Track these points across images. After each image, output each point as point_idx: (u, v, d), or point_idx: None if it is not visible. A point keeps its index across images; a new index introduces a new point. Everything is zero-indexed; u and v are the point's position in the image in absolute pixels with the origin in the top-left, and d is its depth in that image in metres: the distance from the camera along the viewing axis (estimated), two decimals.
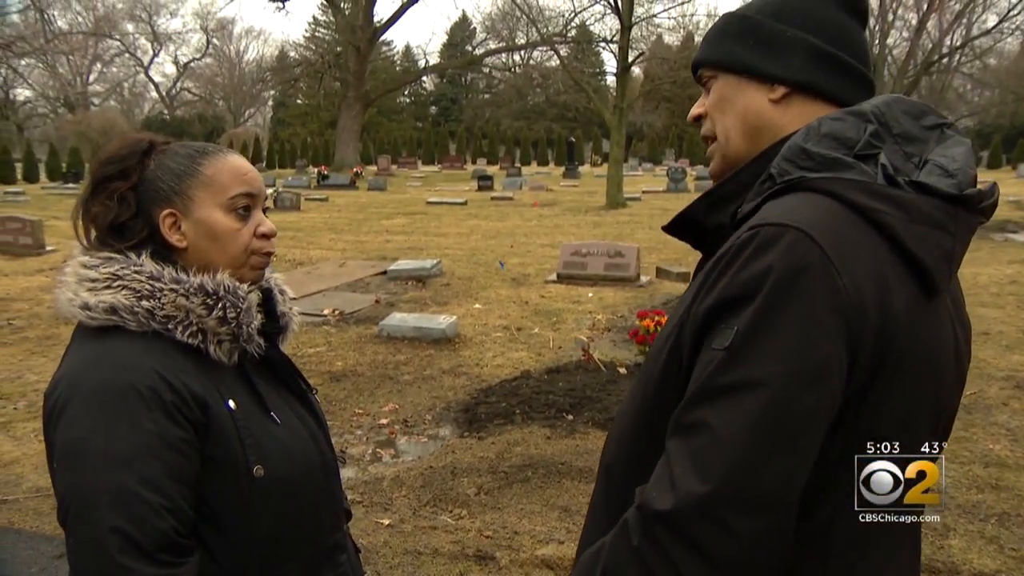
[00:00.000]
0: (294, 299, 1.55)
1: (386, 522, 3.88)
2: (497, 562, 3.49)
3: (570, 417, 5.27)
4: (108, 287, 1.25)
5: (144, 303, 1.23)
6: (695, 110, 1.24)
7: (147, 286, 1.24)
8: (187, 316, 1.25)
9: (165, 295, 1.25)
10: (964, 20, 38.44)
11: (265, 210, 1.40)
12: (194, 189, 1.31)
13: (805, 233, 0.93)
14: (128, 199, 1.31)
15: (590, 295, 9.42)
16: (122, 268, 1.26)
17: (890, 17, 39.69)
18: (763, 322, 0.92)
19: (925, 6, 35.37)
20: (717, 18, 1.28)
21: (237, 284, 1.31)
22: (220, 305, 1.27)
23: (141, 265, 1.27)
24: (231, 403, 1.28)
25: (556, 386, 5.86)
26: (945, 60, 40.08)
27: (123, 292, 1.24)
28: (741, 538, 0.89)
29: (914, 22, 39.48)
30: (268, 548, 1.32)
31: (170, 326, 1.25)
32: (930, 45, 40.12)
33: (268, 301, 1.45)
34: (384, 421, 5.42)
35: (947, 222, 0.99)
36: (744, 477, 0.89)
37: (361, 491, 4.26)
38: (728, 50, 1.18)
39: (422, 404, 5.75)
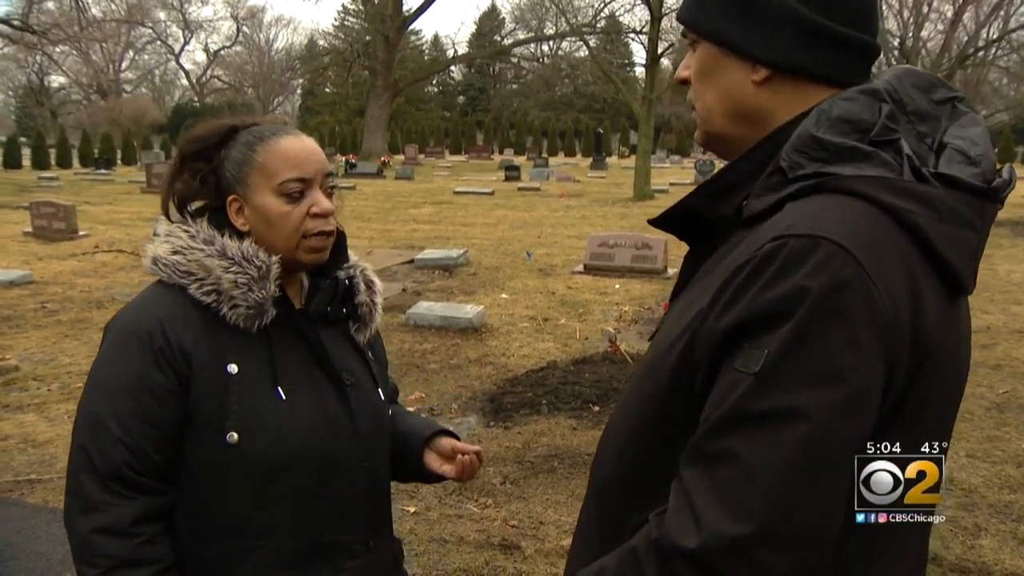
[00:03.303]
0: (385, 298, 1.58)
1: (412, 510, 3.91)
2: (522, 551, 3.51)
3: (596, 408, 5.27)
4: (163, 242, 1.39)
5: (174, 257, 1.35)
6: (681, 72, 1.13)
7: (180, 243, 1.36)
8: (208, 275, 1.34)
9: (192, 252, 1.35)
10: (1001, 12, 37.60)
11: (333, 187, 1.43)
12: (251, 176, 1.38)
13: (840, 246, 0.86)
14: (209, 181, 1.40)
15: (617, 287, 9.39)
16: (176, 227, 1.39)
17: (925, 9, 39.03)
18: (800, 345, 0.84)
19: None
20: None
21: (259, 252, 1.36)
22: (234, 269, 1.34)
23: (189, 226, 1.38)
24: (232, 367, 1.33)
25: (582, 377, 5.85)
26: (981, 53, 39.30)
27: (165, 246, 1.38)
28: None
29: (949, 14, 38.77)
30: (240, 523, 1.34)
31: (185, 281, 1.34)
32: (965, 38, 39.37)
33: (349, 287, 1.50)
34: (410, 409, 5.44)
35: (975, 219, 0.94)
36: (782, 515, 0.83)
37: None
38: (710, 18, 1.06)
39: (448, 393, 5.77)
